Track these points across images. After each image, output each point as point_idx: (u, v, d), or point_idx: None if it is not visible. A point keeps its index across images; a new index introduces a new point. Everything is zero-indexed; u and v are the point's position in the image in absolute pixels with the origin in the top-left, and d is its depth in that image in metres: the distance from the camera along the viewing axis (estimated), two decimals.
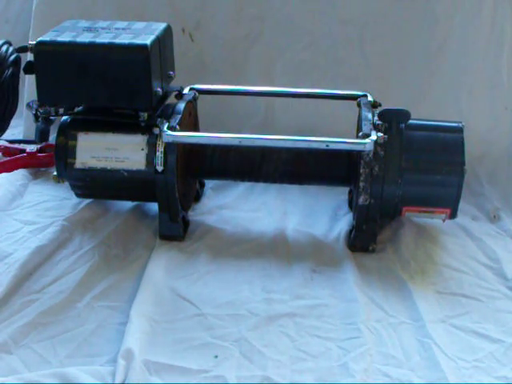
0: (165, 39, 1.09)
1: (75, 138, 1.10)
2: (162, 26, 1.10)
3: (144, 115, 1.07)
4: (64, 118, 1.12)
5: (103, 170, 1.09)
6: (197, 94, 1.19)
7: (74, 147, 1.10)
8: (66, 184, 1.16)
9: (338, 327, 0.93)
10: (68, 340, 0.89)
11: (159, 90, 1.06)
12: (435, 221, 1.15)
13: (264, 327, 0.92)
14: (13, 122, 1.10)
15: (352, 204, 1.20)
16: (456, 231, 1.17)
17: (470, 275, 1.05)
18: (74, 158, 1.09)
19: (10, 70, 1.03)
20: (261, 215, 1.22)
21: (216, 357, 0.86)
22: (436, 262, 1.08)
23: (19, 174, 1.29)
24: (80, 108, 1.11)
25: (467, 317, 0.96)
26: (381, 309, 0.97)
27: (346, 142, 1.05)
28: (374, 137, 1.03)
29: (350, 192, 1.24)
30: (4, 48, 1.04)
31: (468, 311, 0.97)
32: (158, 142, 1.07)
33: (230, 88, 1.23)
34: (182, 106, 1.12)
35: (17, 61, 1.06)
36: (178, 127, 1.06)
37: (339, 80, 1.38)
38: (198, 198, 1.26)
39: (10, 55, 1.04)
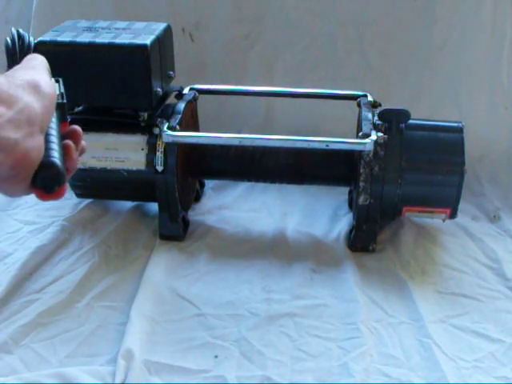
0: (165, 39, 1.09)
1: None
2: (161, 26, 1.10)
3: (144, 115, 1.07)
4: None
5: (103, 170, 1.09)
6: (197, 94, 1.19)
7: None
8: (66, 184, 1.16)
9: (338, 327, 0.93)
10: (68, 340, 0.89)
11: (159, 89, 1.06)
12: (435, 221, 1.15)
13: (264, 327, 0.92)
14: None
15: (352, 204, 1.20)
16: (456, 231, 1.17)
17: (470, 275, 1.05)
18: None
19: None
20: (261, 215, 1.22)
21: (216, 357, 0.86)
22: (436, 261, 1.08)
23: None
24: (80, 108, 1.11)
25: (467, 317, 0.95)
26: (381, 309, 0.97)
27: (346, 141, 1.05)
28: (373, 137, 1.03)
29: (350, 192, 1.24)
30: (21, 32, 1.03)
31: (468, 311, 0.97)
32: (158, 142, 1.07)
33: (230, 88, 1.23)
34: (182, 105, 1.12)
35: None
36: (177, 127, 1.06)
37: (339, 80, 1.38)
38: (198, 198, 1.26)
39: (29, 39, 1.03)
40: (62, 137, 0.59)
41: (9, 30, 1.04)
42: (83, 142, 0.61)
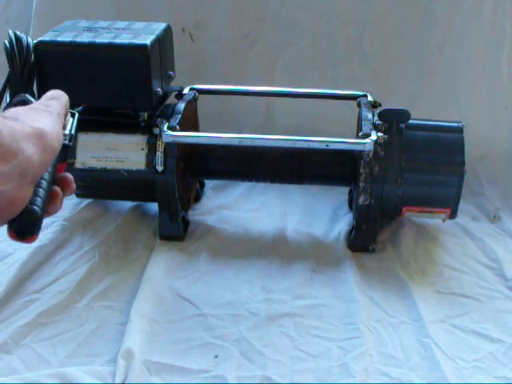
0: (165, 39, 1.09)
1: (75, 138, 1.09)
2: (161, 26, 1.10)
3: (144, 115, 1.07)
4: None
5: (103, 170, 1.09)
6: (197, 94, 1.19)
7: (74, 147, 1.09)
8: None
9: (338, 327, 0.93)
10: (68, 340, 0.89)
11: (159, 89, 1.06)
12: (435, 221, 1.15)
13: (264, 327, 0.92)
14: None
15: (352, 204, 1.20)
16: (456, 231, 1.17)
17: (470, 275, 1.05)
18: (74, 158, 1.09)
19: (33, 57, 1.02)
20: (261, 215, 1.22)
21: (216, 357, 0.86)
22: (436, 261, 1.08)
23: None
24: (80, 108, 1.11)
25: (467, 317, 0.95)
26: (381, 309, 0.96)
27: (346, 141, 1.05)
28: (373, 137, 1.03)
29: (350, 192, 1.24)
30: (18, 34, 1.03)
31: (468, 311, 0.97)
32: (158, 142, 1.07)
33: (230, 88, 1.23)
34: (182, 106, 1.12)
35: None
36: (177, 127, 1.06)
37: (339, 80, 1.38)
38: (198, 198, 1.26)
39: (28, 40, 1.03)
40: (54, 180, 0.59)
41: (9, 29, 1.04)
42: (73, 185, 0.62)
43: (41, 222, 0.56)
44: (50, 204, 0.59)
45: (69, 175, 0.62)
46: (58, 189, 0.59)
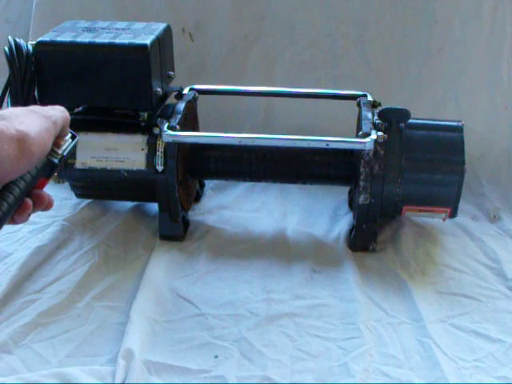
0: (165, 39, 1.09)
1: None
2: (161, 26, 1.11)
3: (144, 115, 1.08)
4: None
5: (103, 170, 1.09)
6: (197, 94, 1.19)
7: (74, 147, 1.09)
8: (66, 184, 1.16)
9: (338, 327, 0.93)
10: (68, 340, 0.89)
11: (159, 89, 1.06)
12: (435, 221, 1.15)
13: (264, 327, 0.92)
14: None
15: (352, 204, 1.20)
16: (456, 231, 1.17)
17: (470, 275, 1.05)
18: (74, 158, 1.09)
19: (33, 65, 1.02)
20: (261, 215, 1.22)
21: (216, 357, 0.86)
22: (436, 261, 1.08)
23: None
24: (80, 108, 1.11)
25: (467, 317, 0.95)
26: (381, 309, 0.97)
27: (346, 141, 1.05)
28: (373, 136, 1.03)
29: (350, 192, 1.24)
30: (18, 41, 1.03)
31: (468, 311, 0.97)
32: (158, 142, 1.07)
33: (230, 88, 1.23)
34: (182, 105, 1.12)
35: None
36: (177, 127, 1.06)
37: (339, 80, 1.38)
38: (198, 198, 1.26)
39: (28, 47, 1.03)
40: (31, 193, 0.59)
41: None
42: (48, 204, 0.62)
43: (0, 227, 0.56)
44: (18, 214, 0.59)
45: (46, 194, 0.62)
46: (30, 202, 0.59)
